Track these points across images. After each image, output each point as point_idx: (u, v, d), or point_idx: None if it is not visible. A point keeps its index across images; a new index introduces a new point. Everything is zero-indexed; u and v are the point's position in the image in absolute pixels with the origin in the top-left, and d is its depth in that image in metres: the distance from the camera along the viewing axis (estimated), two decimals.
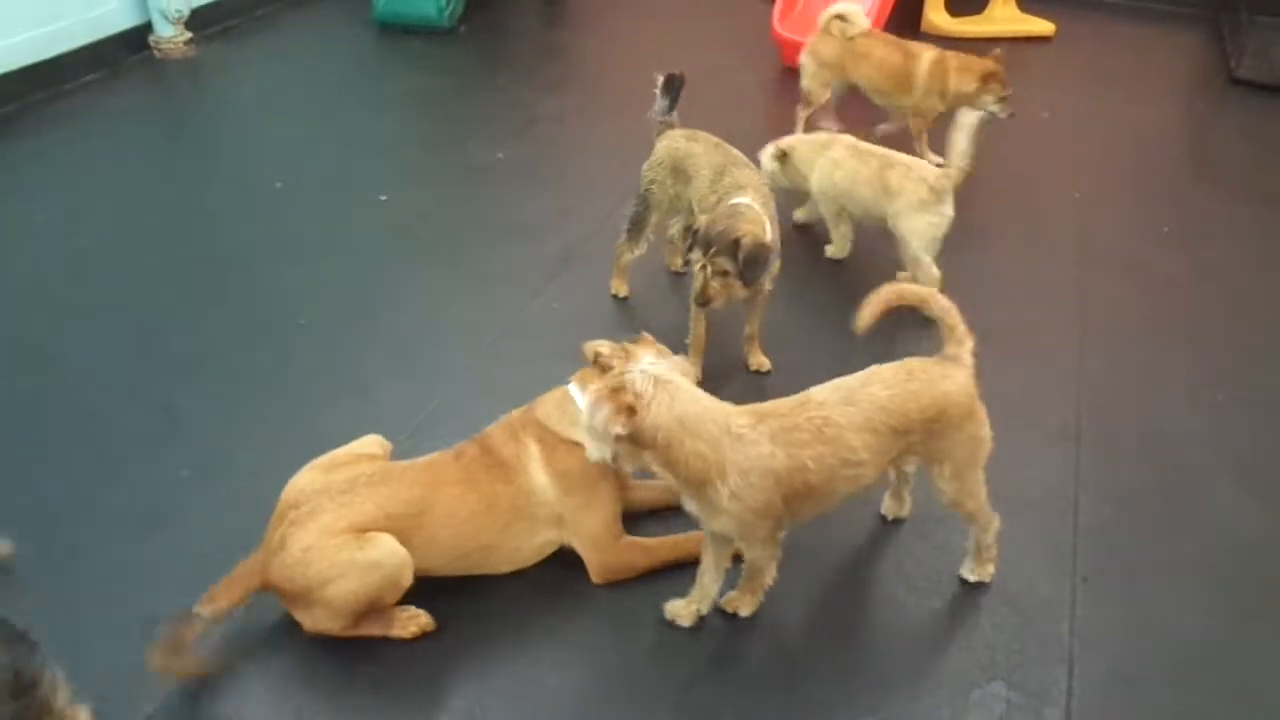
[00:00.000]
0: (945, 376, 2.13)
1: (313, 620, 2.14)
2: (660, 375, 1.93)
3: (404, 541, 2.13)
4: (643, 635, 2.25)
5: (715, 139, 3.17)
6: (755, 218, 2.76)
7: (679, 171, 3.12)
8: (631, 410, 1.88)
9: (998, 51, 4.14)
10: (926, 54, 4.24)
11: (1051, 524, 2.57)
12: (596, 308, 3.38)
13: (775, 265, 2.96)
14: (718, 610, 2.29)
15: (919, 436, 2.11)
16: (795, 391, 2.12)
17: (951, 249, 3.82)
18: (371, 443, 2.41)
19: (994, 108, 4.14)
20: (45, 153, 4.34)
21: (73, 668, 2.10)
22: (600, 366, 2.18)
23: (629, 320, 3.33)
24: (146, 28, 5.19)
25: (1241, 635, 2.31)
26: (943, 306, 2.16)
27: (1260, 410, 3.02)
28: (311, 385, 3.00)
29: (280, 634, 2.21)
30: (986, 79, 4.11)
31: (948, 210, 3.31)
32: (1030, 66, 5.52)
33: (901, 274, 3.41)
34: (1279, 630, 2.32)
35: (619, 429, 1.87)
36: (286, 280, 3.51)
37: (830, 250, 3.72)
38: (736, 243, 2.66)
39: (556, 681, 2.14)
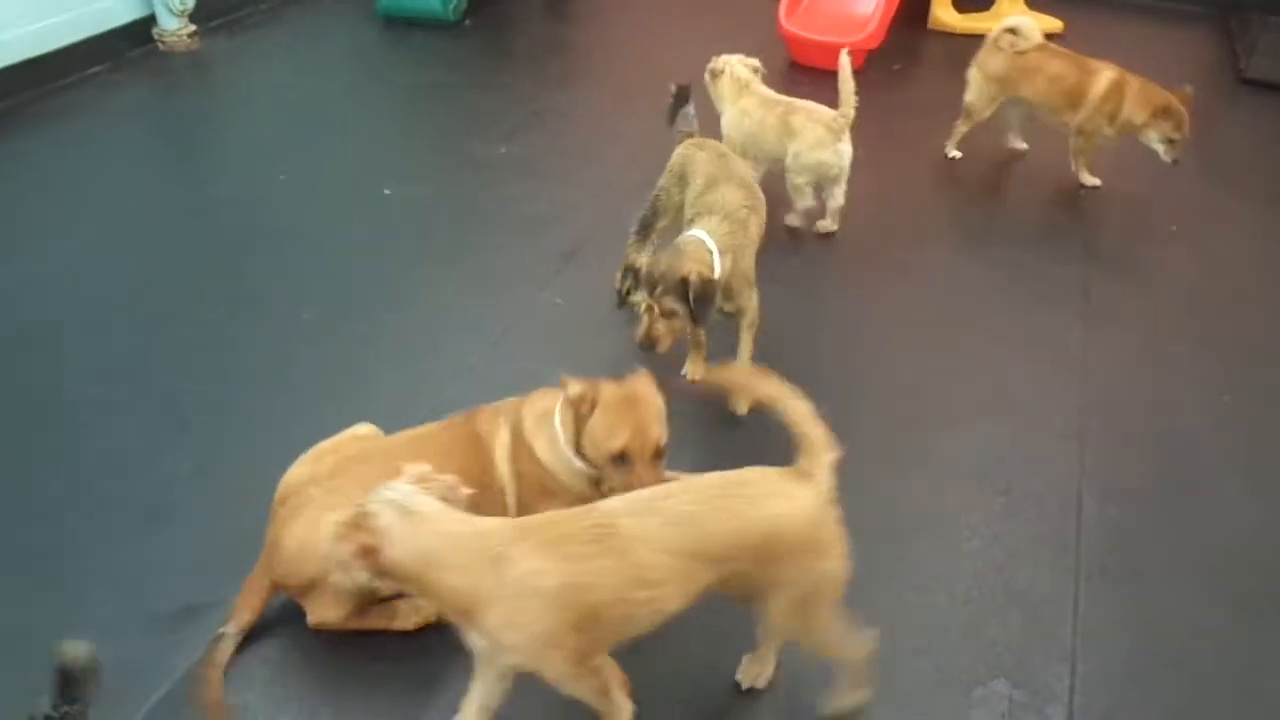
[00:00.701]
0: (780, 495, 1.77)
1: (320, 610, 2.14)
2: (407, 505, 1.70)
3: None
4: None
5: (722, 149, 3.13)
6: (700, 255, 2.67)
7: (683, 178, 3.11)
8: (370, 550, 1.67)
9: (1189, 88, 3.90)
10: (1106, 72, 3.99)
11: (1055, 521, 2.57)
12: (602, 303, 3.37)
13: (754, 298, 2.88)
14: (710, 604, 2.29)
15: (741, 564, 1.75)
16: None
17: (955, 244, 3.82)
18: (361, 430, 2.41)
19: (1157, 145, 3.93)
20: (48, 146, 4.34)
21: None
22: (572, 402, 2.10)
23: (634, 316, 3.32)
24: (150, 20, 5.19)
25: (1245, 633, 2.30)
26: (795, 411, 1.81)
27: (1265, 410, 3.00)
28: (315, 379, 3.00)
29: (284, 626, 2.21)
30: (1158, 113, 3.86)
31: (845, 148, 3.62)
32: None
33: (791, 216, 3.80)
34: None
35: (359, 570, 1.70)
36: (290, 273, 3.51)
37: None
38: (684, 281, 2.58)
39: None
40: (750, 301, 2.88)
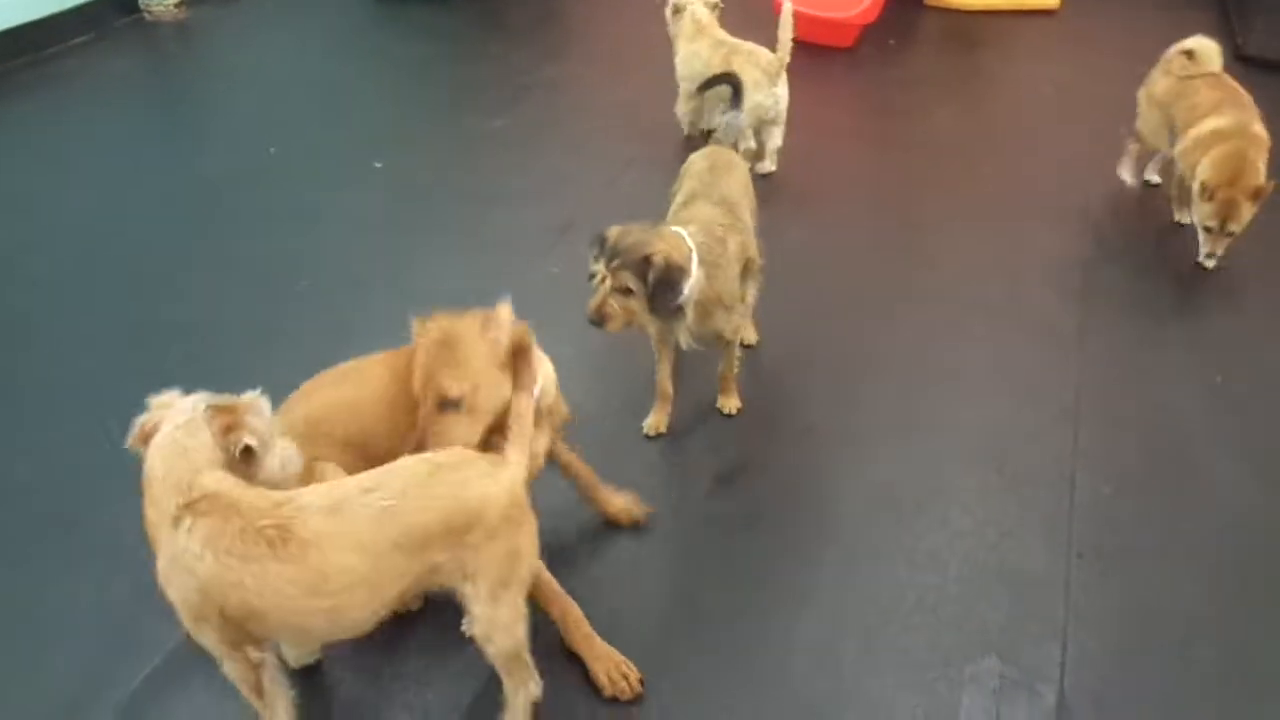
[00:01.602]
0: (485, 476, 1.75)
1: None
2: (176, 418, 1.70)
3: (333, 441, 2.01)
4: (604, 614, 2.25)
5: (726, 162, 2.84)
6: (676, 241, 2.41)
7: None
8: (146, 435, 1.70)
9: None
10: (1222, 120, 3.40)
11: (1048, 501, 2.57)
12: None
13: (732, 321, 2.61)
14: (690, 589, 2.30)
15: (444, 552, 1.69)
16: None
17: (952, 221, 3.80)
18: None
19: (1199, 228, 3.40)
20: (32, 118, 4.27)
21: (55, 647, 2.10)
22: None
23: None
24: None
25: (1236, 613, 2.31)
26: (517, 402, 1.89)
27: (1258, 392, 3.00)
28: (309, 350, 2.94)
29: None
30: (1202, 189, 3.29)
31: (780, 90, 3.81)
32: (1034, 41, 5.46)
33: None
34: (1273, 608, 2.32)
35: (131, 442, 1.72)
36: (282, 246, 3.47)
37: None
38: (647, 260, 2.32)
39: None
40: (728, 325, 2.59)
